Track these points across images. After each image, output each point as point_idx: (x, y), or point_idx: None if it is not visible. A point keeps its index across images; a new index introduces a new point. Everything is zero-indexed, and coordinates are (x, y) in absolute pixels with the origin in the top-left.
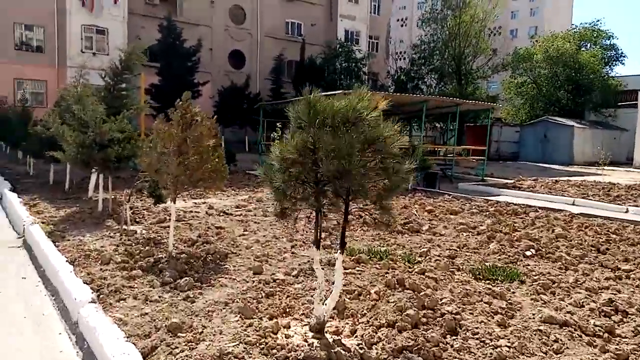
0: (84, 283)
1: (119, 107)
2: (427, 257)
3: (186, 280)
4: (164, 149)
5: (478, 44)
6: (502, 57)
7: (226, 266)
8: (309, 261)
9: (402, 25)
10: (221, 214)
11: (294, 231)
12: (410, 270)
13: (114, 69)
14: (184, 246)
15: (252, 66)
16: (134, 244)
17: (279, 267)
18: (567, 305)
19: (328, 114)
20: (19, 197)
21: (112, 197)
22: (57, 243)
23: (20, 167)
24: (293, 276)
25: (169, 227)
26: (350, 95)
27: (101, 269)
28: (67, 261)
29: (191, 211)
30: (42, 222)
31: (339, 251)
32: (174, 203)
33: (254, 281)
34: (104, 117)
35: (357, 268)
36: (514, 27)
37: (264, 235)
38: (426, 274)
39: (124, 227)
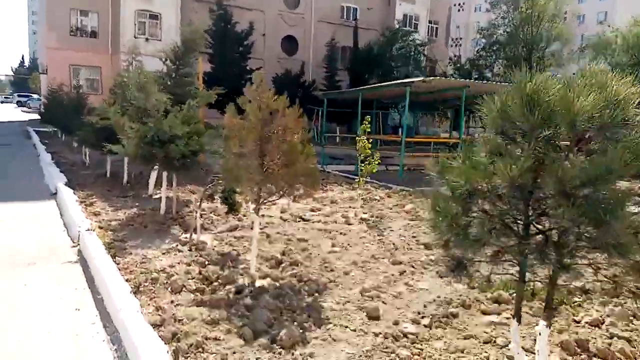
0: (154, 325)
1: (183, 96)
2: None
3: (286, 332)
4: (240, 148)
5: (552, 28)
6: (572, 43)
7: (328, 303)
8: (434, 300)
9: (459, 10)
10: (297, 219)
11: (393, 248)
12: None
13: (176, 51)
14: (267, 266)
15: (305, 52)
16: (207, 262)
17: (399, 309)
18: None
19: (568, 115)
20: (74, 193)
21: (176, 196)
22: (117, 258)
23: (75, 157)
24: (425, 326)
25: (243, 237)
26: (601, 80)
27: (172, 301)
28: (131, 292)
29: (262, 215)
30: (100, 227)
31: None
32: (257, 214)
33: (375, 333)
34: (168, 107)
35: None
36: (582, 13)
37: (359, 253)
38: None
39: (194, 236)
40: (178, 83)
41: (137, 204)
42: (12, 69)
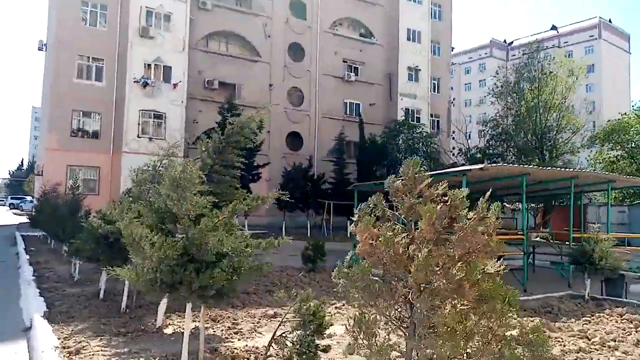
0: None
1: (222, 196)
2: None
3: None
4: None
5: (561, 117)
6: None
7: None
8: None
9: (452, 106)
10: None
11: None
12: None
13: (217, 143)
14: None
15: (309, 147)
16: None
17: None
18: None
19: None
20: (53, 331)
21: (204, 333)
22: None
23: (62, 267)
24: None
25: None
26: None
27: None
28: None
29: None
30: None
31: None
32: None
33: None
34: (205, 212)
35: None
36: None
37: None
38: None
39: None
40: (220, 181)
41: (144, 347)
42: (9, 172)
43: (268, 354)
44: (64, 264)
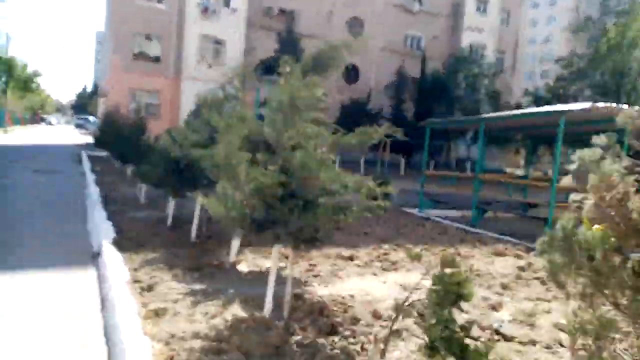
0: None
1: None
2: None
3: None
4: None
5: None
6: None
7: None
8: None
9: (530, 43)
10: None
11: None
12: None
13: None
14: None
15: (367, 81)
16: None
17: None
18: None
19: None
20: (124, 262)
21: (291, 277)
22: None
23: (128, 189)
24: None
25: None
26: None
27: None
28: None
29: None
30: None
31: None
32: None
33: None
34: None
35: None
36: None
37: None
38: None
39: None
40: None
41: (220, 286)
42: (75, 94)
43: (393, 327)
44: (129, 186)
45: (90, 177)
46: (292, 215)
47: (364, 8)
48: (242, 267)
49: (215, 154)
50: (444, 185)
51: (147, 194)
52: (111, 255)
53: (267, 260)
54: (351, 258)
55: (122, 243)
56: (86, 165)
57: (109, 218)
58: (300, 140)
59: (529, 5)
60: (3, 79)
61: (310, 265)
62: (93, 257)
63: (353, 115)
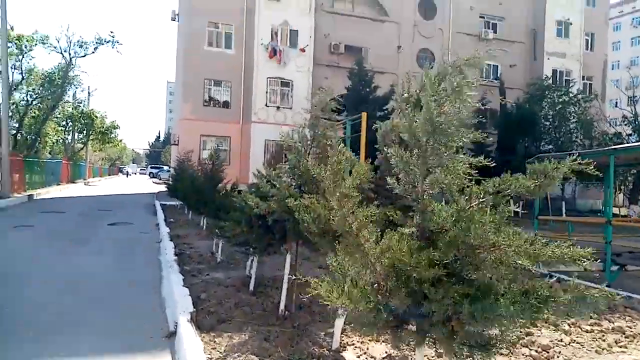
0: None
1: None
2: None
3: None
4: None
5: None
6: None
7: None
8: None
9: (612, 68)
10: None
11: None
12: None
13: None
14: None
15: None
16: None
17: None
18: None
19: None
20: (205, 346)
21: None
22: None
23: (203, 243)
24: None
25: None
26: None
27: None
28: None
29: None
30: None
31: None
32: None
33: None
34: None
35: None
36: None
37: None
38: None
39: None
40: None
41: None
42: (148, 144)
43: None
44: (203, 238)
45: (164, 230)
46: (458, 307)
47: (434, 39)
48: (348, 355)
49: (322, 213)
50: (556, 231)
51: (224, 248)
52: (190, 339)
53: (383, 346)
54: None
55: (200, 319)
56: (160, 215)
57: (185, 281)
58: (451, 186)
59: (611, 27)
60: (84, 132)
61: None
62: (168, 337)
63: None
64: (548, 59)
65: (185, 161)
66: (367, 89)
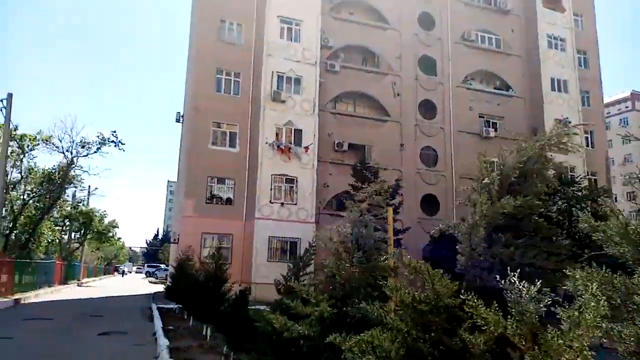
0: None
1: None
2: None
3: None
4: None
5: None
6: None
7: None
8: None
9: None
10: None
11: None
12: None
13: None
14: None
15: (446, 212)
16: None
17: None
18: None
19: None
20: None
21: None
22: None
23: (207, 358)
24: None
25: None
26: None
27: None
28: None
29: None
30: None
31: None
32: None
33: None
34: None
35: None
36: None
37: None
38: None
39: None
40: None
41: None
42: (146, 242)
43: None
44: (208, 351)
45: (163, 342)
46: None
47: (436, 137)
48: None
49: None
50: None
51: None
52: None
53: None
54: None
55: None
56: (157, 323)
57: None
58: None
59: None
60: (81, 231)
61: None
62: None
63: (440, 252)
64: (551, 155)
65: (186, 260)
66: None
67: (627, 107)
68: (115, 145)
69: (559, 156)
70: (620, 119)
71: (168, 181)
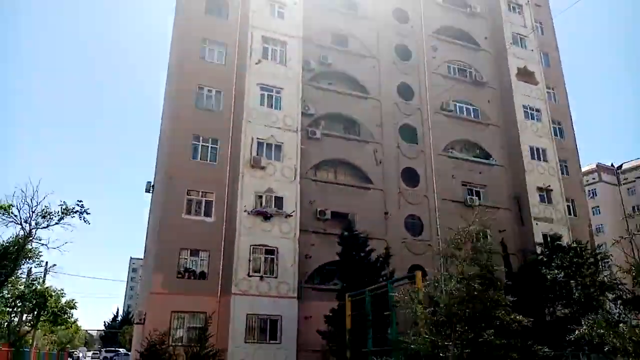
0: None
1: None
2: None
3: None
4: None
5: None
6: None
7: None
8: None
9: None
10: None
11: None
12: None
13: None
14: None
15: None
16: None
17: None
18: None
19: None
20: None
21: None
22: None
23: None
24: None
25: None
26: None
27: None
28: None
29: None
30: None
31: None
32: None
33: None
34: None
35: None
36: None
37: None
38: None
39: None
40: None
41: None
42: (104, 324)
43: None
44: None
45: None
46: None
47: (420, 206)
48: None
49: None
50: None
51: None
52: None
53: None
54: None
55: None
56: None
57: None
58: None
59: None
60: (34, 312)
61: None
62: None
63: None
64: (537, 224)
65: (157, 343)
66: (362, 254)
67: (594, 178)
68: (79, 216)
69: (544, 225)
70: (589, 191)
71: (130, 257)
